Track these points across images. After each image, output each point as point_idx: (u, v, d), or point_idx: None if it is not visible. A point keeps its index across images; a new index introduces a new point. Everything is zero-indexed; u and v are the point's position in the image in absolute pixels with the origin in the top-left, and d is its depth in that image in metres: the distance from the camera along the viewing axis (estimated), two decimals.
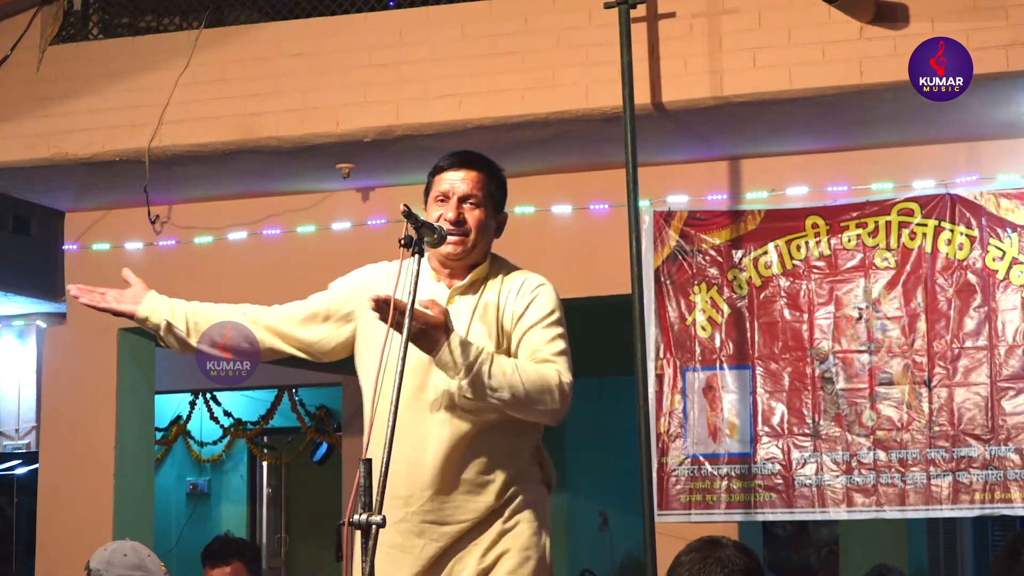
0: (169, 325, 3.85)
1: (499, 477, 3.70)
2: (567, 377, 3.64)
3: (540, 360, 3.64)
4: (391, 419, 3.27)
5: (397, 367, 3.31)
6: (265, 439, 12.97)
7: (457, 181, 3.76)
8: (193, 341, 3.85)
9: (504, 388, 3.52)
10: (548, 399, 3.59)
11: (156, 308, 3.88)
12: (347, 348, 3.93)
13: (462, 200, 3.75)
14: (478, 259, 3.81)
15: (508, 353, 3.69)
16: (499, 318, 3.74)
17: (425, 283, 3.68)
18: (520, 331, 3.70)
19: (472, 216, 3.75)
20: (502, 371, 3.52)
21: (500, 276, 3.81)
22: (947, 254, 6.52)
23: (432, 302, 3.49)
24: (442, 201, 3.76)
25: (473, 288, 3.79)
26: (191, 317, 3.87)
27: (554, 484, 3.90)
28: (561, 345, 3.71)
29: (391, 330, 3.37)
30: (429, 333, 3.45)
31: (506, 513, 3.72)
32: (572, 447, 10.99)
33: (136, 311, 3.87)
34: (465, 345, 3.50)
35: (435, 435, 3.66)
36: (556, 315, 3.74)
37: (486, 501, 3.70)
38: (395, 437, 3.25)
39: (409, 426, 3.58)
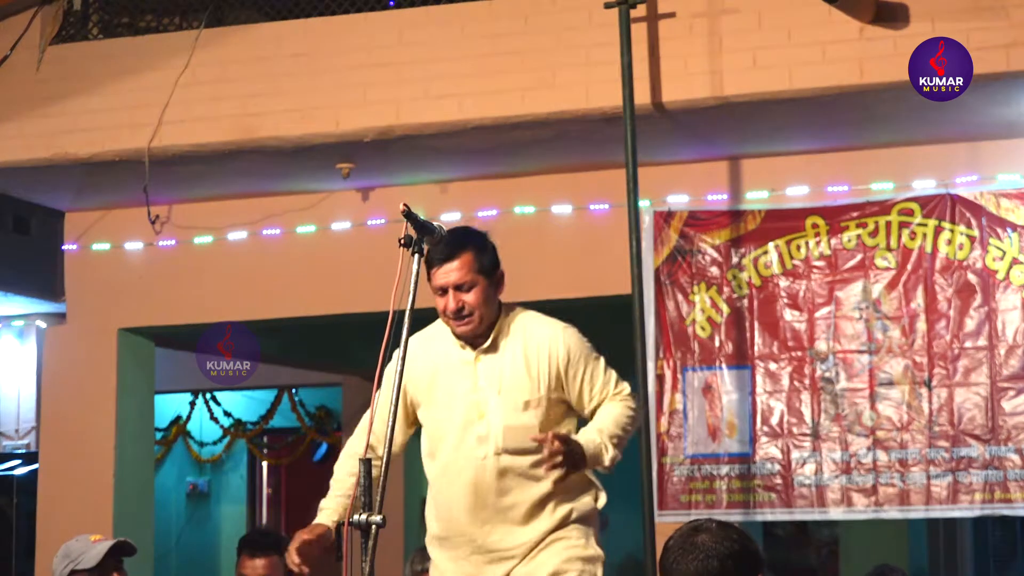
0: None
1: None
2: (627, 388, 4.08)
3: (612, 395, 4.04)
4: (391, 419, 3.33)
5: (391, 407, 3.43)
6: (265, 439, 12.95)
7: (450, 273, 3.87)
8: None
9: (625, 441, 4.00)
10: (636, 417, 4.09)
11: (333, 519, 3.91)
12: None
13: (458, 289, 3.86)
14: (490, 324, 3.95)
15: (552, 394, 3.94)
16: (535, 367, 3.92)
17: (449, 352, 3.94)
18: (578, 380, 4.00)
19: (470, 299, 3.88)
20: (621, 432, 3.97)
21: (518, 326, 3.96)
22: (947, 254, 6.51)
23: (546, 437, 3.76)
24: (441, 295, 3.89)
25: (495, 346, 3.94)
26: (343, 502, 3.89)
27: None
28: (608, 371, 4.05)
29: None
30: (576, 464, 3.80)
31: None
32: None
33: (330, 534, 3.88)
34: (593, 444, 3.87)
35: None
36: (591, 348, 4.05)
37: None
38: None
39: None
